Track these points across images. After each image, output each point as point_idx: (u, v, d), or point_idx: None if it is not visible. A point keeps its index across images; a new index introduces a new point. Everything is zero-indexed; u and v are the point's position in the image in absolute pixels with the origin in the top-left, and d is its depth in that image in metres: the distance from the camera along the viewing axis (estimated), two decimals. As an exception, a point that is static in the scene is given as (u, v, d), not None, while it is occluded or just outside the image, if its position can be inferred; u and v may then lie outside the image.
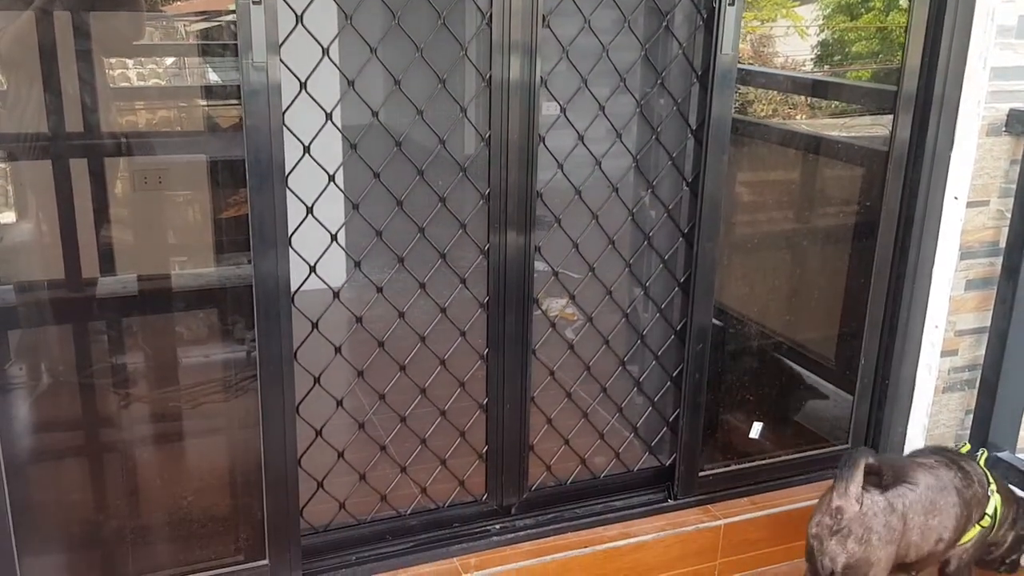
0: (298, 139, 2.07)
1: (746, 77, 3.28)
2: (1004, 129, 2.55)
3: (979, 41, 2.48)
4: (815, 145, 3.24)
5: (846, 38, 6.49)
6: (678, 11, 2.39)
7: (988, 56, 2.47)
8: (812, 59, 6.65)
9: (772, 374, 3.06)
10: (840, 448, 2.86)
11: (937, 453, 2.44)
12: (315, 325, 2.20)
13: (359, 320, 2.28)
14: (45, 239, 2.43)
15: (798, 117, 4.54)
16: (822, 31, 6.55)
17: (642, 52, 2.39)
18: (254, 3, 1.92)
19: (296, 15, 2.01)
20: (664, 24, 2.36)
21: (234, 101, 2.25)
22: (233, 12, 1.94)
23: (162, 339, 2.77)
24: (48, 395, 2.51)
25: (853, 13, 6.38)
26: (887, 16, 5.96)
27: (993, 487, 2.39)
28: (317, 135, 2.07)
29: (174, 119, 3.30)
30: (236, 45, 1.96)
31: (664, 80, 2.42)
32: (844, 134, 3.58)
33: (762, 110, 4.34)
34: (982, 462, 2.47)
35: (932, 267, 2.68)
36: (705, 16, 2.33)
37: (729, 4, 2.26)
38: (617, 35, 2.32)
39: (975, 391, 2.79)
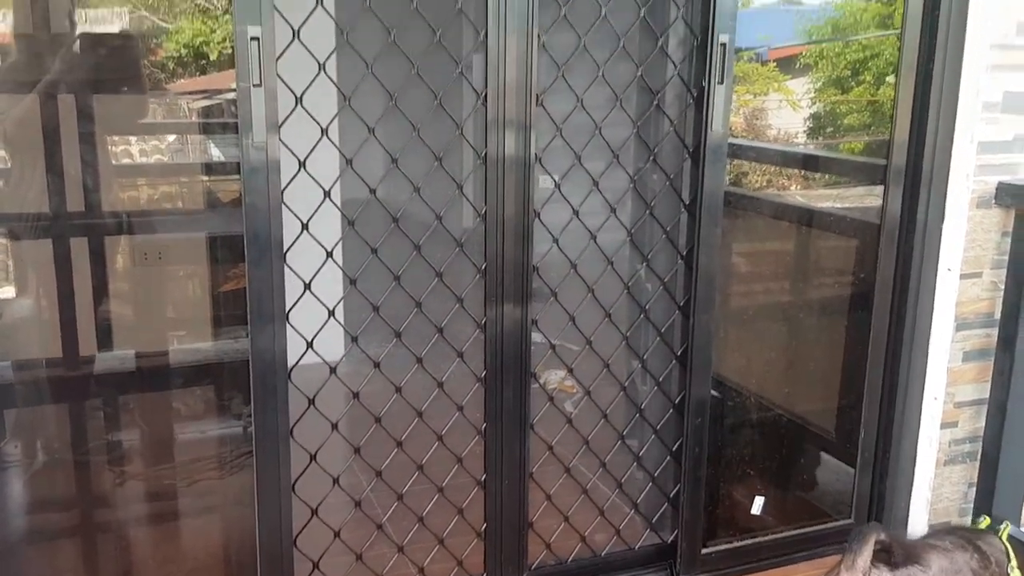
0: (296, 217, 2.09)
1: (738, 151, 3.34)
2: (994, 201, 2.58)
3: (965, 116, 2.53)
4: (809, 217, 3.28)
5: (838, 111, 6.63)
6: (669, 89, 2.44)
7: (975, 131, 2.52)
8: (805, 131, 6.78)
9: (772, 447, 3.04)
10: (843, 523, 2.82)
11: (952, 534, 2.40)
12: (311, 401, 2.20)
13: (356, 396, 2.27)
14: (44, 315, 2.45)
15: (792, 187, 4.61)
16: (814, 104, 6.69)
17: (634, 129, 2.44)
18: (255, 85, 1.98)
19: (296, 96, 2.05)
20: (655, 103, 2.42)
21: (234, 176, 2.29)
22: (234, 91, 1.99)
23: (159, 415, 2.77)
24: (43, 473, 2.49)
25: (844, 87, 6.52)
26: (877, 90, 6.09)
27: (1013, 564, 2.34)
28: (315, 212, 2.10)
29: (175, 194, 3.35)
30: (237, 123, 2.01)
31: (657, 156, 2.46)
32: (838, 205, 3.63)
33: (756, 181, 4.41)
34: (1004, 537, 2.43)
35: (929, 339, 2.69)
36: (695, 94, 2.38)
37: (718, 83, 2.31)
38: (610, 112, 2.37)
39: (977, 463, 2.77)
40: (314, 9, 2.05)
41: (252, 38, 1.96)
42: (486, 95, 2.20)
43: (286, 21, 2.00)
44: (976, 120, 2.52)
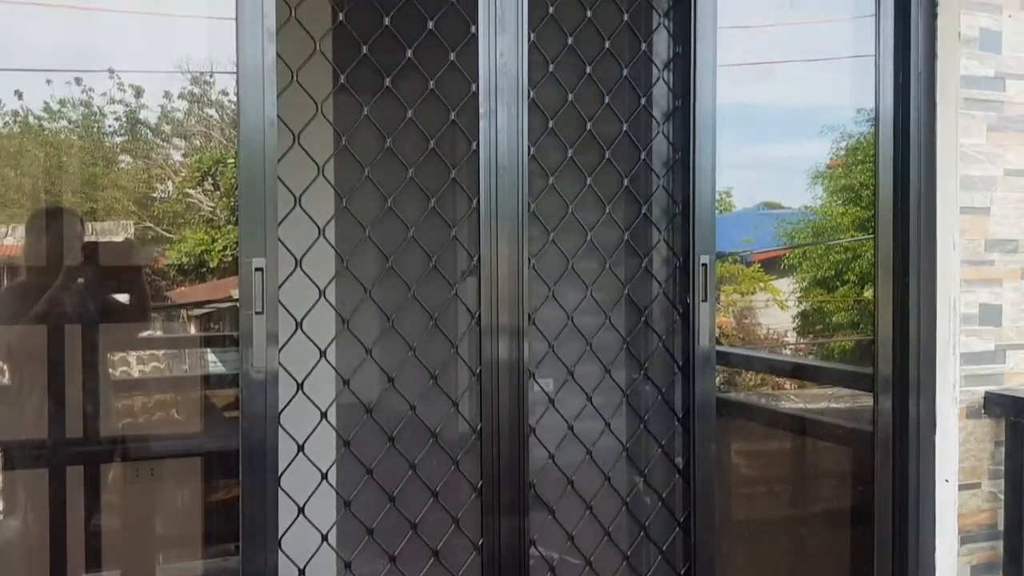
0: (292, 438, 2.11)
1: (728, 359, 3.40)
2: (983, 411, 2.61)
3: (944, 328, 2.61)
4: (803, 425, 3.29)
5: (825, 309, 6.79)
6: (656, 306, 2.53)
7: (956, 341, 2.59)
8: (795, 328, 6.91)
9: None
10: None
11: None
12: (302, 631, 2.12)
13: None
14: (32, 540, 2.40)
15: (787, 385, 4.64)
16: (801, 303, 6.85)
17: (624, 345, 2.50)
18: (257, 313, 2.05)
19: (295, 321, 2.12)
20: (643, 319, 2.50)
21: (230, 388, 2.32)
22: (232, 300, 2.06)
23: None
24: None
25: (829, 287, 6.71)
26: (862, 290, 6.27)
27: None
28: (311, 433, 2.12)
29: (170, 403, 3.36)
30: (233, 335, 2.06)
31: (647, 370, 2.51)
32: (833, 406, 3.65)
33: (750, 380, 4.45)
34: None
35: (934, 554, 2.62)
36: (681, 311, 2.47)
37: (702, 300, 2.40)
38: (599, 329, 2.44)
39: None
40: (316, 240, 2.17)
41: (256, 269, 2.05)
42: (480, 315, 2.28)
43: (289, 251, 2.11)
44: (956, 332, 2.59)
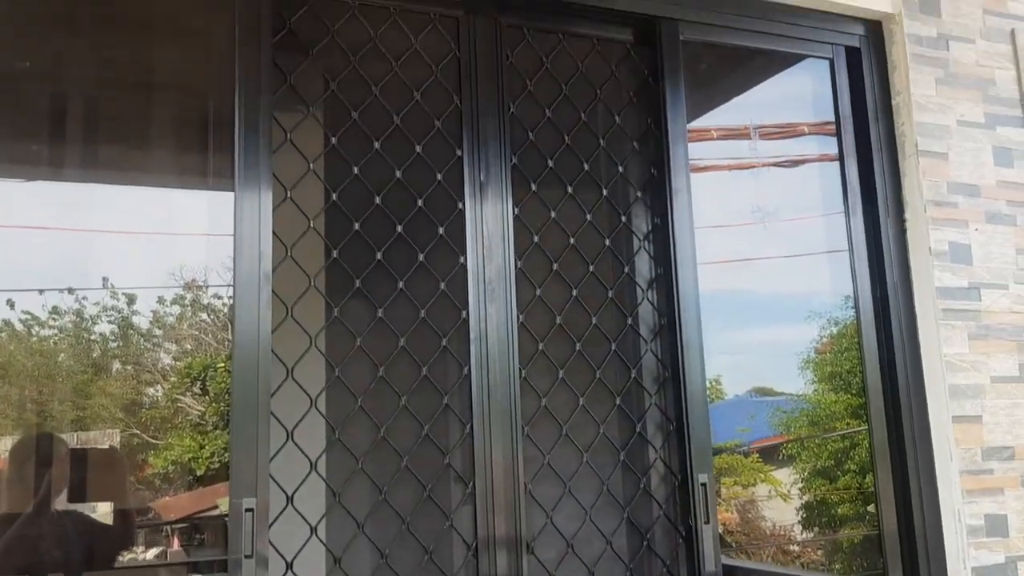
0: None
1: (735, 573, 3.28)
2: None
3: (953, 543, 2.52)
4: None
5: (829, 500, 6.63)
6: (658, 526, 2.47)
7: (967, 556, 2.51)
8: (799, 521, 6.71)
9: None
10: None
11: None
12: None
13: None
14: None
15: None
16: (803, 495, 6.71)
17: (627, 573, 2.42)
18: (246, 556, 1.98)
19: (287, 563, 2.05)
20: (644, 543, 2.43)
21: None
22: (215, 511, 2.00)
23: None
24: None
25: (830, 476, 6.60)
26: (864, 479, 6.16)
27: None
28: None
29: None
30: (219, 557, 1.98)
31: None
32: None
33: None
34: None
35: None
36: (684, 533, 2.40)
37: (704, 523, 2.35)
38: (599, 559, 2.36)
39: None
40: (307, 476, 2.14)
41: (247, 509, 2.00)
42: (476, 547, 2.21)
43: (280, 488, 2.07)
44: (964, 544, 2.50)
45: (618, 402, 2.46)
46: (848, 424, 6.22)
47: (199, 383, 9.33)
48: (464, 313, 2.32)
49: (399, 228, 2.33)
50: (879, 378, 2.66)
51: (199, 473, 8.33)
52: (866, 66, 2.77)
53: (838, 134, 2.78)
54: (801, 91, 3.38)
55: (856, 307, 2.68)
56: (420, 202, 2.35)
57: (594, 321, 2.46)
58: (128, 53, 2.82)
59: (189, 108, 3.17)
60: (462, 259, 2.34)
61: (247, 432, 2.04)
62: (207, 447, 8.61)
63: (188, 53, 2.80)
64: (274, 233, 2.12)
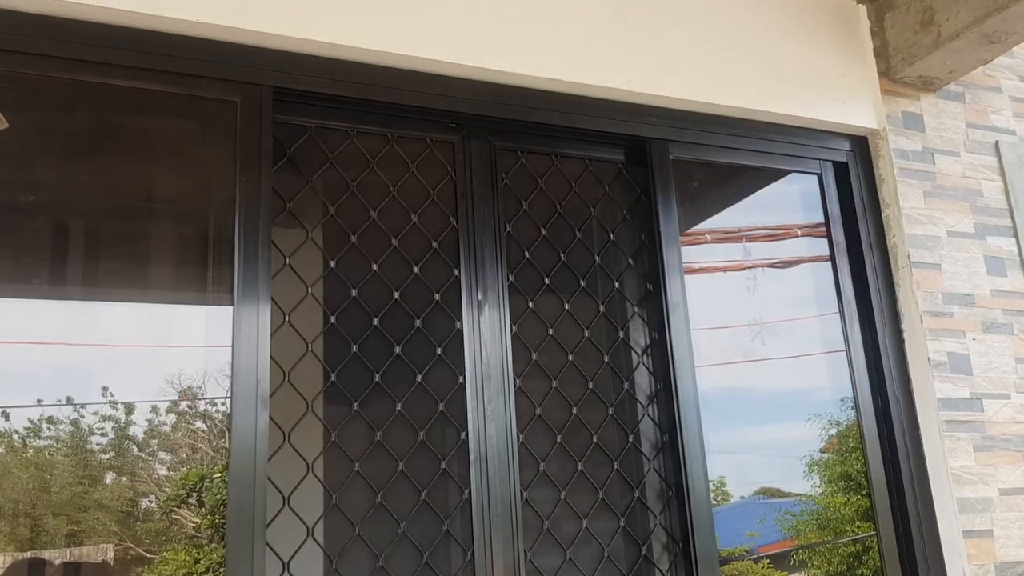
0: None
1: None
2: None
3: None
4: None
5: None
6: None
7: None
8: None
9: None
10: None
11: None
12: None
13: None
14: None
15: None
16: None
17: None
18: None
19: None
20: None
21: None
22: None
23: None
24: None
25: (842, 585, 6.38)
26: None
27: None
28: None
29: None
30: None
31: None
32: None
33: None
34: None
35: None
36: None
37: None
38: None
39: None
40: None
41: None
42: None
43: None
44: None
45: (622, 523, 2.41)
46: (859, 527, 6.10)
47: (195, 494, 9.16)
48: (464, 434, 2.29)
49: (397, 349, 2.33)
50: (884, 482, 2.64)
51: (194, 589, 8.09)
52: (854, 180, 2.83)
53: (830, 246, 2.82)
54: (791, 196, 3.43)
55: (857, 414, 2.67)
56: (419, 323, 2.36)
57: (595, 439, 2.43)
58: (130, 177, 2.88)
59: (188, 227, 3.22)
60: (460, 379, 2.33)
61: (243, 561, 1.99)
62: (202, 561, 8.39)
63: (189, 176, 2.86)
64: (272, 359, 2.12)
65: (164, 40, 2.12)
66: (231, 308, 2.11)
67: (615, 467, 2.45)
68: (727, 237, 4.66)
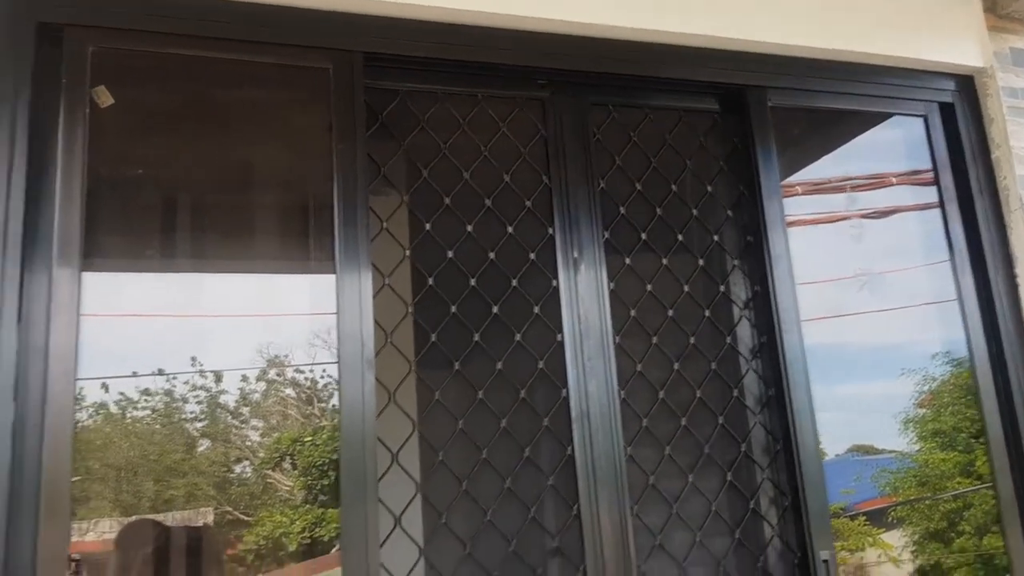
0: None
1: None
2: None
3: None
4: None
5: (944, 564, 6.28)
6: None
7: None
8: (916, 589, 6.34)
9: None
10: None
11: None
12: None
13: None
14: None
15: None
16: (916, 558, 6.37)
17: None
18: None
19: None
20: (767, 626, 2.33)
21: None
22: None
23: None
24: None
25: (944, 539, 6.25)
26: (981, 540, 5.82)
27: None
28: None
29: None
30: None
31: None
32: None
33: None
34: None
35: None
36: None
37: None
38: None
39: None
40: (416, 563, 2.12)
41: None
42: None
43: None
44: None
45: (729, 478, 2.39)
46: (959, 483, 5.92)
47: (288, 458, 9.44)
48: (564, 391, 2.29)
49: (495, 309, 2.33)
50: (1000, 433, 2.54)
51: (291, 549, 8.38)
52: (961, 121, 2.71)
53: (938, 191, 2.71)
54: (886, 144, 3.31)
55: (971, 363, 2.58)
56: (515, 282, 2.36)
57: (699, 395, 2.41)
58: (229, 150, 2.94)
59: (287, 197, 3.28)
60: (559, 336, 2.32)
61: (356, 518, 2.03)
62: (297, 522, 8.67)
63: (286, 147, 2.90)
64: (376, 322, 2.14)
65: (263, 11, 2.14)
66: (333, 276, 2.14)
67: (719, 422, 2.42)
68: (818, 188, 4.52)
